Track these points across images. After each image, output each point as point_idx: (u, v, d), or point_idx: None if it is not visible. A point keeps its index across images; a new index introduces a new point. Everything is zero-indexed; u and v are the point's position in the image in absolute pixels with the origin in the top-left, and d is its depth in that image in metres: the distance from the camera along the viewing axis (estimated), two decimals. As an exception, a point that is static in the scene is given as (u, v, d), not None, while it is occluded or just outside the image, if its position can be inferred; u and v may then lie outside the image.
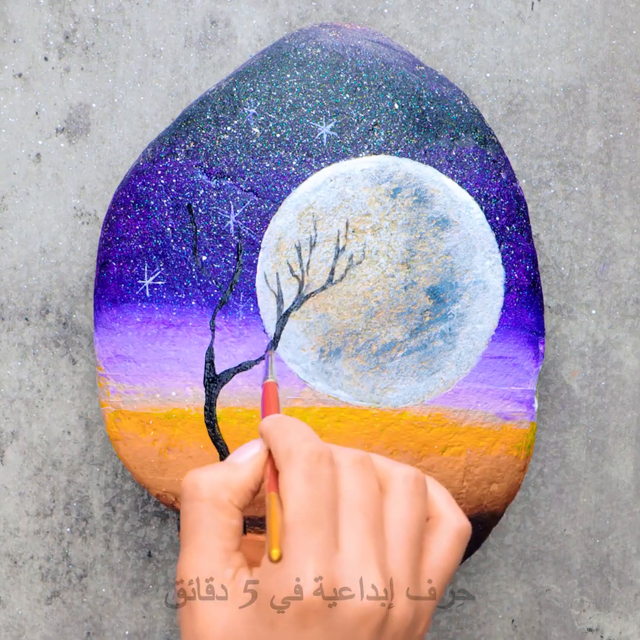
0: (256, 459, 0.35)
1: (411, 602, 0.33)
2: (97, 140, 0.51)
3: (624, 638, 0.52)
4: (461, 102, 0.48)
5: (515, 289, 0.48)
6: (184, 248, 0.47)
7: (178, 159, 0.47)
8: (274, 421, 0.35)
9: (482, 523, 0.48)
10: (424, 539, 0.35)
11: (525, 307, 0.48)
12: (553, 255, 0.52)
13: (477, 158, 0.47)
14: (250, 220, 0.46)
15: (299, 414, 0.47)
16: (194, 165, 0.47)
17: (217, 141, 0.46)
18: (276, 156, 0.46)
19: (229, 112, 0.47)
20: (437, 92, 0.47)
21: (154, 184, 0.47)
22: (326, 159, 0.46)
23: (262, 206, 0.46)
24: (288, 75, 0.47)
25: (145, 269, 0.47)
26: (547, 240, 0.52)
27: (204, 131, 0.47)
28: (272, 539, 0.32)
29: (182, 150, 0.47)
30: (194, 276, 0.47)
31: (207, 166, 0.46)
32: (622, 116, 0.52)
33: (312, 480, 0.33)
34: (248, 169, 0.46)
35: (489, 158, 0.47)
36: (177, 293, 0.47)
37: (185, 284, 0.47)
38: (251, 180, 0.46)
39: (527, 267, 0.48)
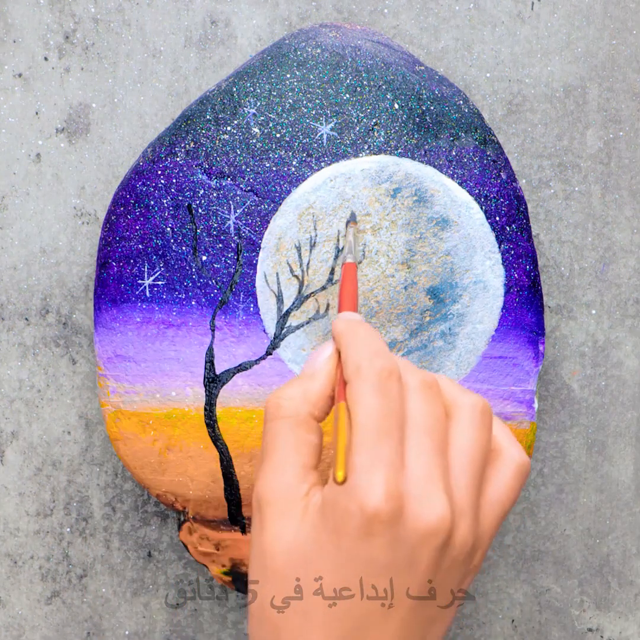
0: (329, 364, 0.35)
1: (472, 529, 0.33)
2: (97, 140, 0.51)
3: (624, 638, 0.52)
4: (461, 102, 0.48)
5: (515, 289, 0.48)
6: (184, 248, 0.47)
7: (178, 159, 0.47)
8: (348, 325, 0.35)
9: (482, 523, 0.48)
10: (486, 473, 0.35)
11: (525, 307, 0.48)
12: (553, 255, 0.52)
13: (477, 158, 0.47)
14: (250, 220, 0.46)
15: (299, 414, 0.46)
16: (194, 165, 0.47)
17: (217, 141, 0.46)
18: (276, 156, 0.46)
19: (229, 112, 0.47)
20: (437, 92, 0.47)
21: (154, 184, 0.47)
22: (326, 159, 0.46)
23: (262, 206, 0.46)
24: (288, 75, 0.47)
25: (145, 269, 0.47)
26: (547, 240, 0.52)
27: (204, 131, 0.47)
28: (338, 459, 0.32)
29: (182, 150, 0.47)
30: (194, 276, 0.47)
31: (207, 166, 0.46)
32: (622, 116, 0.52)
33: (382, 395, 0.33)
34: (248, 169, 0.46)
35: (489, 158, 0.47)
36: (177, 293, 0.47)
37: (185, 284, 0.47)
38: (251, 180, 0.46)
39: (527, 267, 0.48)
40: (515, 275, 0.48)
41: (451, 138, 0.47)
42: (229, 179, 0.46)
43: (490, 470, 0.35)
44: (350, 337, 0.35)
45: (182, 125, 0.47)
